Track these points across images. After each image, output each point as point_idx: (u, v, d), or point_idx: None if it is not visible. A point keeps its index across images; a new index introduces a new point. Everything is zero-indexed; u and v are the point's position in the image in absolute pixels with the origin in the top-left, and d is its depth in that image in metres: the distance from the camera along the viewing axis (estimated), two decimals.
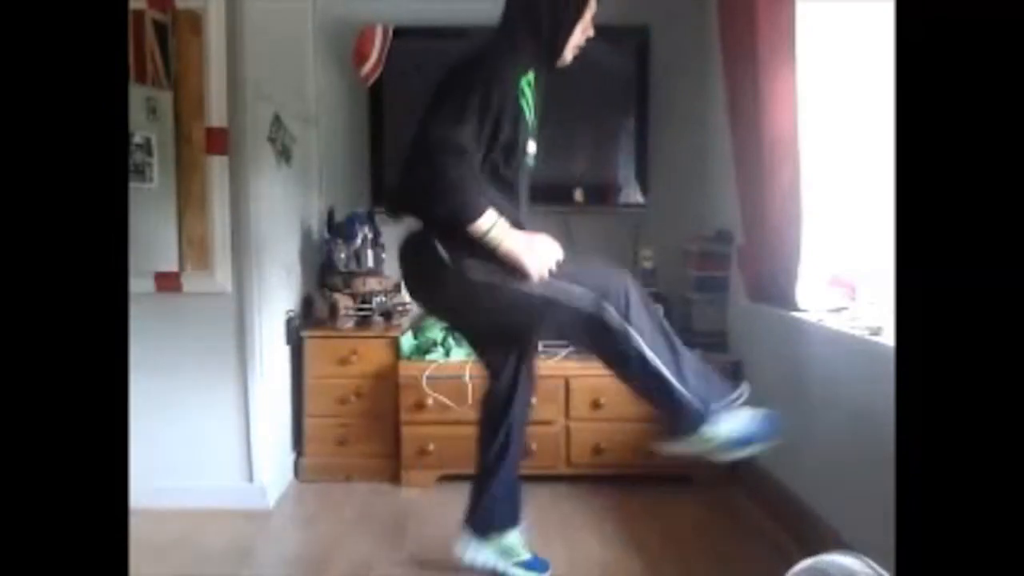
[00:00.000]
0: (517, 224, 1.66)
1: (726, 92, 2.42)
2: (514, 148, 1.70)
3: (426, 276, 1.75)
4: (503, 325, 1.84)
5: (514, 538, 1.99)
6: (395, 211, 1.77)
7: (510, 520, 2.00)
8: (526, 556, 2.01)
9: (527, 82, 1.68)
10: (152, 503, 2.32)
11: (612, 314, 1.66)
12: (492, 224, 1.58)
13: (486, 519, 1.97)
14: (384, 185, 2.97)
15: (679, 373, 1.68)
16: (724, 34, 2.42)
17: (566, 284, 1.66)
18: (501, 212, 1.63)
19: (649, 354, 1.67)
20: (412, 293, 1.87)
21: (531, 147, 1.78)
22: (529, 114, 1.70)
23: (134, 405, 1.92)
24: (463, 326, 2.10)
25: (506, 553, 1.97)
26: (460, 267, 1.64)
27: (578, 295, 1.66)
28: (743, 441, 1.71)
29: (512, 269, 1.62)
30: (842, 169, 2.14)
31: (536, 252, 1.64)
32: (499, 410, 1.99)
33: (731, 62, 2.36)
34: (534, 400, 2.61)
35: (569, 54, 1.76)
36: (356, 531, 2.33)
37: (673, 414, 1.73)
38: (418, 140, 1.58)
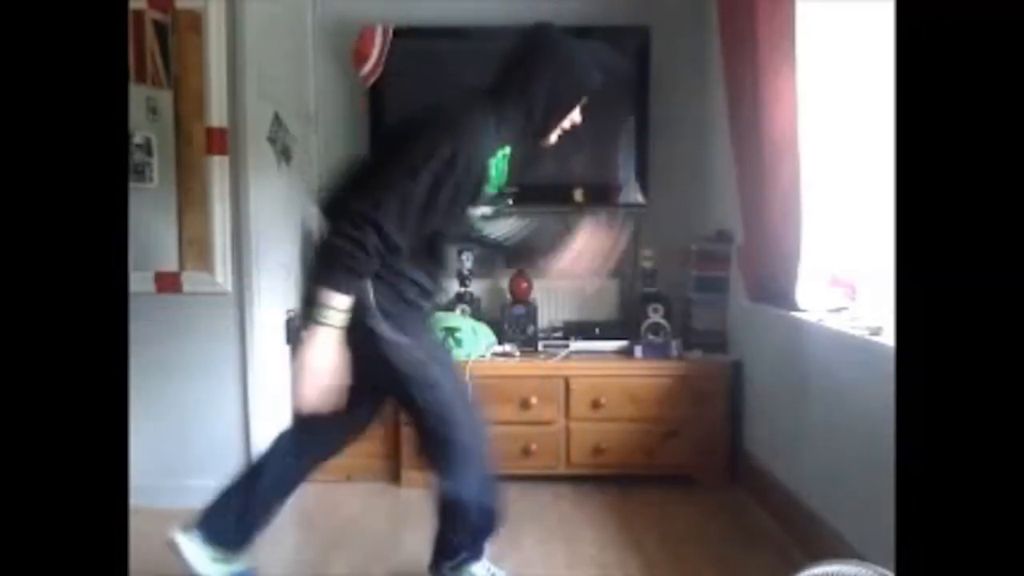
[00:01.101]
0: (427, 288, 1.69)
1: (726, 92, 2.42)
2: (457, 218, 1.68)
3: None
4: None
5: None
6: (323, 215, 1.75)
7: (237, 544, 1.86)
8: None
9: (502, 156, 1.64)
10: (152, 503, 2.32)
11: None
12: (332, 308, 1.53)
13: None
14: None
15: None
16: (724, 34, 2.42)
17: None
18: (420, 281, 1.66)
19: None
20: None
21: (480, 212, 1.78)
22: (488, 189, 1.67)
23: (134, 405, 1.92)
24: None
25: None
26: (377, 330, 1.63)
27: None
28: None
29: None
30: (842, 169, 2.14)
31: (310, 378, 1.55)
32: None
33: (731, 62, 2.36)
34: (533, 400, 2.63)
35: (554, 137, 1.75)
36: (356, 531, 2.33)
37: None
38: (362, 192, 1.55)
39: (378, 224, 1.51)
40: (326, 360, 1.55)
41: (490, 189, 1.68)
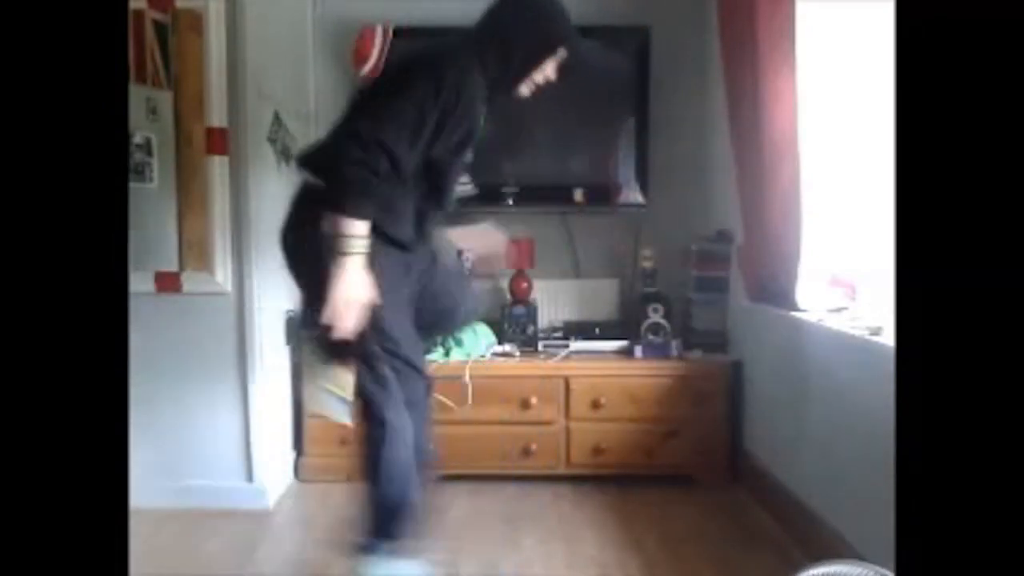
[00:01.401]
0: (423, 222, 1.74)
1: (726, 92, 2.42)
2: (460, 151, 1.74)
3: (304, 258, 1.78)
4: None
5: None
6: (301, 167, 1.79)
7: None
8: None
9: (483, 97, 1.72)
10: (152, 503, 2.33)
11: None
12: (355, 236, 1.58)
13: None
14: None
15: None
16: (724, 34, 2.42)
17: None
18: (423, 212, 1.72)
19: None
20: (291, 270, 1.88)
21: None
22: (481, 124, 1.75)
23: (134, 405, 1.91)
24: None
25: None
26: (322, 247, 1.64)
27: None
28: None
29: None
30: (842, 169, 2.14)
31: (345, 299, 1.60)
32: None
33: (731, 62, 2.36)
34: (533, 400, 2.63)
35: (526, 90, 1.81)
36: (356, 531, 2.32)
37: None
38: (360, 117, 1.63)
39: (383, 143, 1.56)
40: (362, 289, 1.61)
41: (481, 125, 1.74)
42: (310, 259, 1.70)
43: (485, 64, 1.70)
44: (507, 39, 1.73)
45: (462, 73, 1.65)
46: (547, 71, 1.80)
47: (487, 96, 1.74)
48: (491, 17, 1.76)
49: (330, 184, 1.66)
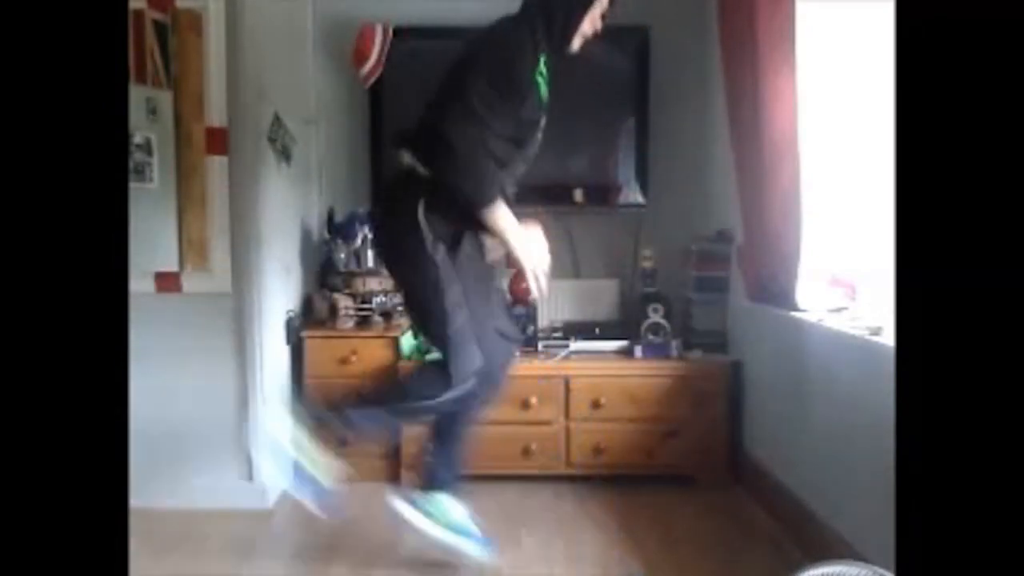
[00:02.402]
0: (509, 201, 1.82)
1: (726, 92, 2.42)
2: (532, 125, 1.87)
3: (398, 246, 1.86)
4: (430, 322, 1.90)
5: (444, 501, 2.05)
6: (403, 146, 1.86)
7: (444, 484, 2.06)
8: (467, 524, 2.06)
9: (544, 63, 1.84)
10: (152, 503, 2.32)
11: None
12: (500, 212, 1.75)
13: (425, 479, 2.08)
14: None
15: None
16: (724, 34, 2.42)
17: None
18: (502, 191, 1.79)
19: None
20: (380, 254, 2.03)
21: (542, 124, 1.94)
22: (545, 92, 1.87)
23: (134, 405, 1.92)
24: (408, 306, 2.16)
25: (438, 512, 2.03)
26: (435, 250, 1.77)
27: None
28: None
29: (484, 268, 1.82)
30: (842, 169, 2.14)
31: (532, 249, 1.81)
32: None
33: (731, 62, 2.36)
34: (533, 400, 2.63)
35: (576, 43, 1.89)
36: (356, 531, 2.33)
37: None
38: (450, 103, 1.73)
39: (485, 119, 1.71)
40: (532, 241, 1.84)
41: (545, 93, 1.86)
42: (412, 250, 1.80)
43: (535, 31, 1.80)
44: (548, 4, 1.83)
45: (516, 48, 1.77)
46: (594, 21, 1.88)
47: (546, 61, 1.84)
48: None
49: (448, 177, 1.74)
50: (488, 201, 1.73)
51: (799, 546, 2.16)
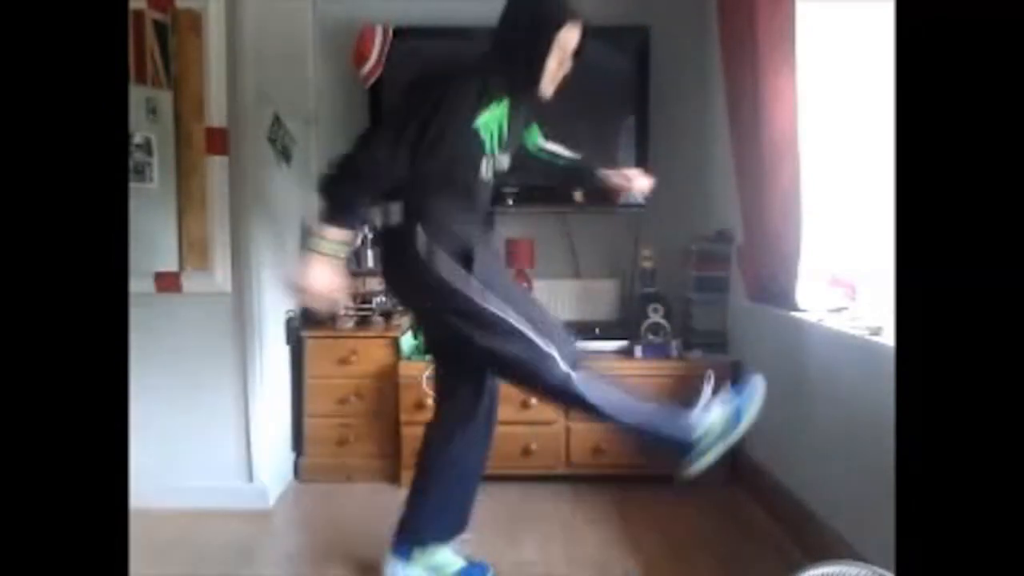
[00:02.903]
0: (468, 229, 1.77)
1: (726, 92, 2.42)
2: (467, 164, 1.76)
3: (399, 266, 1.81)
4: (447, 332, 1.82)
5: (444, 555, 1.98)
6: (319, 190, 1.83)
7: (440, 536, 1.97)
8: (459, 564, 1.99)
9: (499, 107, 1.74)
10: (152, 503, 2.33)
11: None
12: (327, 239, 1.67)
13: (412, 536, 1.96)
14: None
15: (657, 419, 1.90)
16: (724, 34, 2.42)
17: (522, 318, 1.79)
18: (463, 220, 1.76)
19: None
20: (387, 283, 1.95)
21: (499, 162, 1.84)
22: (490, 141, 1.76)
23: (134, 405, 1.92)
24: (423, 325, 2.13)
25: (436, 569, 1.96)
26: (431, 260, 1.71)
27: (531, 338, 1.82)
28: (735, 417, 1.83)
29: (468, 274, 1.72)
30: (842, 169, 2.14)
31: (308, 284, 1.68)
32: (434, 442, 1.97)
33: (731, 62, 2.36)
34: (533, 400, 2.63)
35: (548, 88, 1.81)
36: (356, 531, 2.33)
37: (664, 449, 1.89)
38: (362, 141, 1.72)
39: (380, 163, 1.66)
40: (316, 283, 1.70)
41: (491, 142, 1.77)
42: (415, 287, 1.79)
43: (493, 74, 1.73)
44: (508, 43, 1.76)
45: (463, 95, 1.70)
46: (561, 61, 1.78)
47: (513, 102, 1.77)
48: (496, 32, 1.79)
49: (324, 195, 1.72)
50: (330, 220, 1.67)
51: (799, 546, 2.16)
